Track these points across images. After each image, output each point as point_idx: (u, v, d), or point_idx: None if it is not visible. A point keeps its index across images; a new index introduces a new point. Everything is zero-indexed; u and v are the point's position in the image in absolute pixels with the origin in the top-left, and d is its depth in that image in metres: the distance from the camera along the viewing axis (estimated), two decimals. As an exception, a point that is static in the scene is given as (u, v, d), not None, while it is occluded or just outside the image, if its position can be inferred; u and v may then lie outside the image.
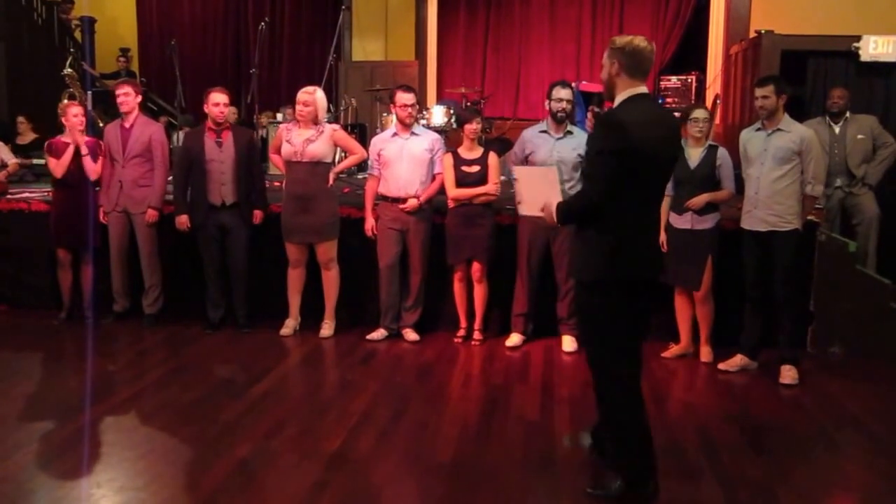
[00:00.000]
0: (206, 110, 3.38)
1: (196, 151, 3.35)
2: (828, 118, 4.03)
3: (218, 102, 3.34)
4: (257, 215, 3.44)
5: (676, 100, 5.45)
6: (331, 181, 3.31)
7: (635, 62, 1.84)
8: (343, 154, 3.58)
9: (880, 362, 3.15)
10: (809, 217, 3.27)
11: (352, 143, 3.47)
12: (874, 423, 2.56)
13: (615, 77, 1.88)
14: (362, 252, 3.51)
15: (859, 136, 3.95)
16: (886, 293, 3.23)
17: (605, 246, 1.86)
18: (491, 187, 3.22)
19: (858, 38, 4.51)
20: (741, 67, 5.21)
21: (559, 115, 3.15)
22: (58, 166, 3.44)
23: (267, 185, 3.62)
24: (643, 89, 1.88)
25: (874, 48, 4.50)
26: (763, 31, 4.79)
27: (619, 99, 1.89)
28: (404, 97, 3.27)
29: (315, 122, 3.26)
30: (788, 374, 2.88)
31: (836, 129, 3.99)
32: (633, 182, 1.83)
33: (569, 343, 3.27)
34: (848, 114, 3.98)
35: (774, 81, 2.98)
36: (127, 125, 3.47)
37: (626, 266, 1.87)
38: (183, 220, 3.39)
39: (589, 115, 4.06)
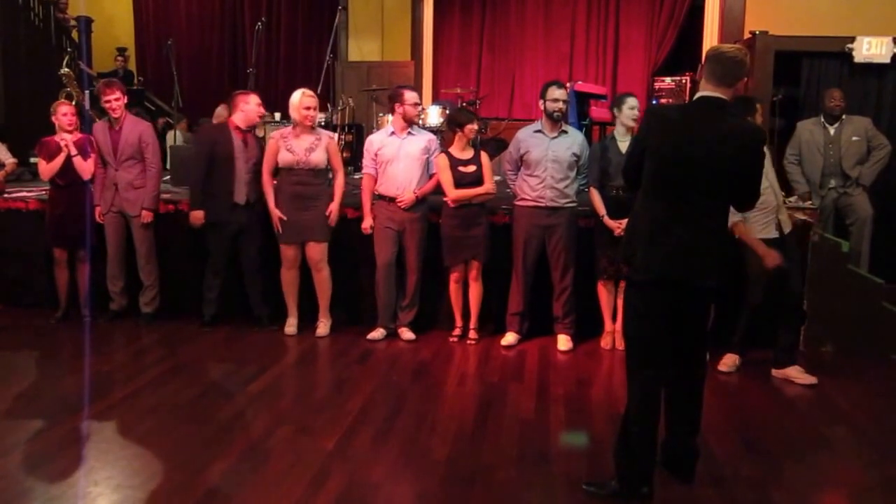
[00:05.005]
0: (242, 110, 3.34)
1: (225, 148, 3.31)
2: (823, 119, 4.06)
3: (260, 103, 3.38)
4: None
5: (670, 100, 5.47)
6: (333, 222, 3.29)
7: (714, 67, 1.85)
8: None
9: (872, 361, 3.18)
10: (803, 217, 3.30)
11: (339, 158, 3.42)
12: (866, 422, 2.58)
13: (700, 82, 1.92)
14: (359, 251, 3.52)
15: (854, 138, 3.98)
16: (878, 292, 3.26)
17: (626, 238, 1.96)
18: (490, 186, 3.24)
19: (852, 40, 4.54)
20: (736, 68, 5.22)
21: (555, 114, 3.17)
22: (46, 170, 3.42)
23: None
24: (715, 94, 1.84)
25: (868, 49, 4.53)
26: (757, 33, 4.82)
27: None
28: (413, 95, 3.29)
29: (313, 127, 3.28)
30: (785, 374, 2.92)
31: (832, 131, 4.02)
32: (655, 178, 1.86)
33: (564, 342, 3.29)
34: (843, 115, 4.01)
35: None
36: (116, 127, 3.45)
37: (640, 262, 1.87)
38: (199, 216, 3.33)
39: None
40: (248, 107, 3.35)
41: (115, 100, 3.40)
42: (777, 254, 2.66)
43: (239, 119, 3.37)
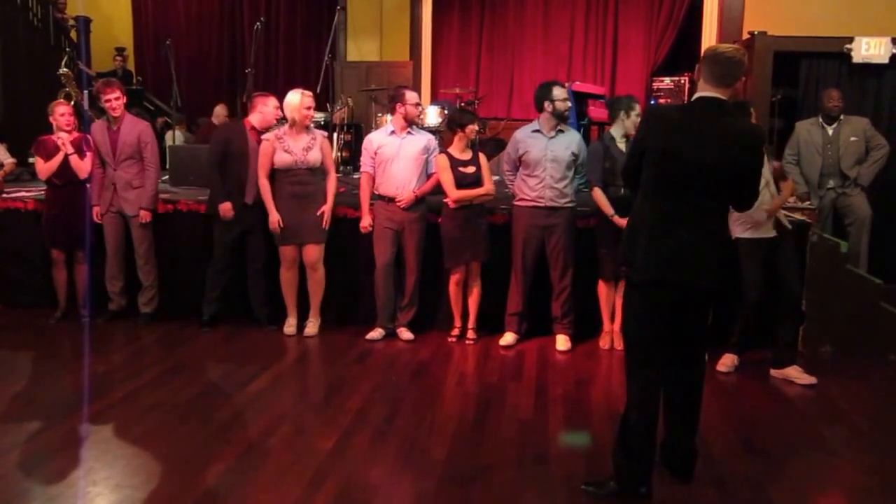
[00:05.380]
0: (261, 111, 3.35)
1: (239, 146, 3.31)
2: (821, 119, 4.07)
3: (278, 106, 3.39)
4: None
5: (669, 100, 5.48)
6: (326, 224, 3.30)
7: (713, 67, 1.84)
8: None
9: (871, 361, 3.18)
10: (801, 217, 3.31)
11: (331, 159, 3.43)
12: (865, 422, 2.59)
13: (697, 82, 1.92)
14: (356, 251, 3.52)
15: (852, 139, 3.98)
16: (877, 292, 3.26)
17: (626, 239, 1.94)
18: (490, 187, 3.25)
19: (850, 40, 4.55)
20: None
21: (566, 113, 3.22)
22: (44, 169, 3.43)
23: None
24: (714, 94, 1.84)
25: (866, 49, 4.54)
26: (756, 33, 4.82)
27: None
28: (415, 96, 3.32)
29: (307, 127, 3.29)
30: (785, 374, 2.93)
31: (830, 131, 4.02)
32: (655, 178, 1.86)
33: (562, 342, 3.29)
34: (841, 116, 4.02)
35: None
36: (114, 126, 3.45)
37: (640, 262, 1.86)
38: (228, 207, 3.31)
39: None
40: (267, 108, 3.37)
41: (115, 99, 3.39)
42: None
43: (255, 120, 3.38)
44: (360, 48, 6.74)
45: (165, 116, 6.38)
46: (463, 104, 5.29)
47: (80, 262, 3.57)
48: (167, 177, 4.19)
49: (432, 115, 4.88)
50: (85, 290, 3.58)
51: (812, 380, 2.88)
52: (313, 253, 3.33)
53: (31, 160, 4.42)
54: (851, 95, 4.39)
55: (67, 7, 6.34)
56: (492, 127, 5.90)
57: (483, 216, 3.29)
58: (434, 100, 6.06)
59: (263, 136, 3.37)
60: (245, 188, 3.33)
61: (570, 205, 3.26)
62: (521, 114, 6.39)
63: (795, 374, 2.92)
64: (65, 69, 5.17)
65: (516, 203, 3.29)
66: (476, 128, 3.30)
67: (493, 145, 5.18)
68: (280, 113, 3.44)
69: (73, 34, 6.31)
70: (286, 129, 3.30)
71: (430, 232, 3.36)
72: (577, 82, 5.02)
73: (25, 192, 3.93)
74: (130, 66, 7.23)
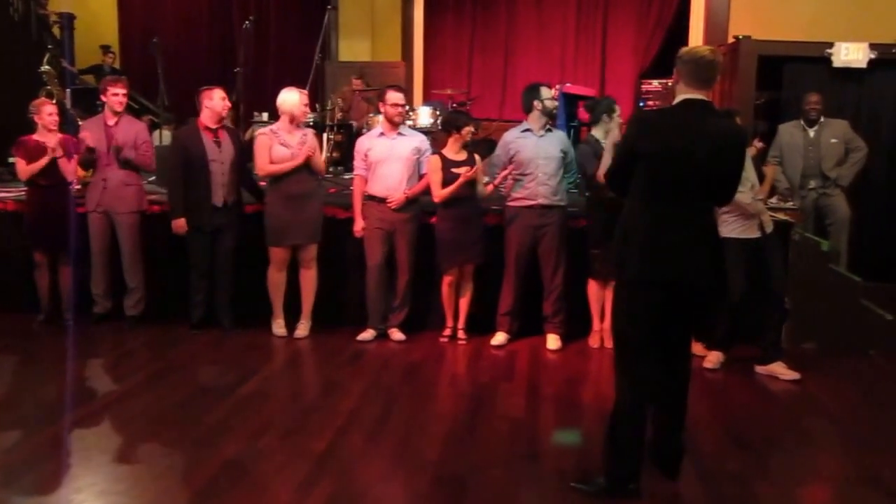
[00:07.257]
0: (207, 107, 3.30)
1: (197, 152, 3.27)
2: (803, 122, 4.16)
3: (224, 97, 3.34)
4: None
5: (657, 103, 5.55)
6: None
7: (693, 70, 1.88)
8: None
9: (852, 357, 3.25)
10: (785, 217, 3.38)
11: (319, 154, 3.44)
12: (847, 416, 2.65)
13: (675, 85, 1.95)
14: (346, 252, 3.51)
15: (832, 141, 4.08)
16: (857, 290, 3.34)
17: (618, 240, 1.96)
18: (478, 167, 3.24)
19: (831, 45, 4.65)
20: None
21: (554, 111, 3.31)
22: (26, 170, 3.34)
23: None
24: (698, 96, 1.88)
25: (845, 54, 4.64)
26: (741, 37, 4.91)
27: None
28: (395, 96, 3.30)
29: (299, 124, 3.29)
30: (770, 370, 2.98)
31: (811, 134, 4.12)
32: (649, 181, 1.88)
33: (553, 342, 3.31)
34: (822, 118, 4.12)
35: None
36: (111, 123, 3.41)
37: (634, 263, 1.88)
38: (181, 224, 3.29)
39: None
40: (213, 102, 3.31)
41: (123, 94, 3.39)
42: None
43: (206, 117, 3.33)
44: (351, 48, 6.71)
45: (151, 115, 6.28)
46: (455, 105, 5.30)
47: (63, 265, 3.50)
48: (153, 177, 4.14)
49: (424, 116, 4.88)
50: (69, 293, 3.52)
51: (796, 375, 2.94)
52: (308, 252, 3.32)
53: (10, 160, 4.33)
54: (832, 99, 4.49)
55: (50, 2, 6.21)
56: (484, 128, 5.92)
57: (479, 217, 3.29)
58: (426, 100, 6.06)
59: (258, 132, 3.34)
60: (211, 191, 3.28)
61: (561, 203, 3.28)
62: (513, 115, 6.38)
63: (780, 370, 2.98)
64: (47, 67, 5.06)
65: (509, 204, 3.30)
66: (472, 129, 3.32)
67: (485, 146, 5.19)
68: (228, 104, 3.39)
69: (55, 30, 6.18)
70: (280, 125, 3.29)
71: (422, 232, 3.36)
72: (569, 84, 5.06)
73: (5, 193, 3.84)
74: (115, 63, 7.10)
